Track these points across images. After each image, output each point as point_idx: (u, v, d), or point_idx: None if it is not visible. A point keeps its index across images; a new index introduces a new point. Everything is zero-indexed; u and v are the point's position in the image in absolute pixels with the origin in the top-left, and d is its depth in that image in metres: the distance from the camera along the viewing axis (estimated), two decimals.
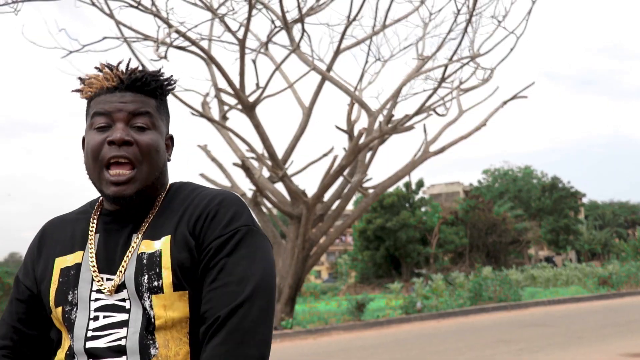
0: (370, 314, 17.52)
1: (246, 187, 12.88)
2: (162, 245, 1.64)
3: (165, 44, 8.48)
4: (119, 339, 1.59)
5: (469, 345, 11.53)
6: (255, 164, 11.00)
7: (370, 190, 12.16)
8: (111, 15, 8.34)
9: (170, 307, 1.60)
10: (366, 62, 11.05)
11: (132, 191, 1.66)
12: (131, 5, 8.39)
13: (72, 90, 1.80)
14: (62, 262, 1.74)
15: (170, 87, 1.84)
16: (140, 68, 1.79)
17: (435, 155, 11.53)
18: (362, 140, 10.51)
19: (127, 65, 1.78)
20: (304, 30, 9.00)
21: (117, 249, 1.69)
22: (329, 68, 10.07)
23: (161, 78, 1.77)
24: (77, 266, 1.71)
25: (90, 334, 1.61)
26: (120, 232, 1.72)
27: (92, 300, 1.65)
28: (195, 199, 1.73)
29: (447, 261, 39.20)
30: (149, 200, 1.74)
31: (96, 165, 1.69)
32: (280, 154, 10.77)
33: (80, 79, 1.79)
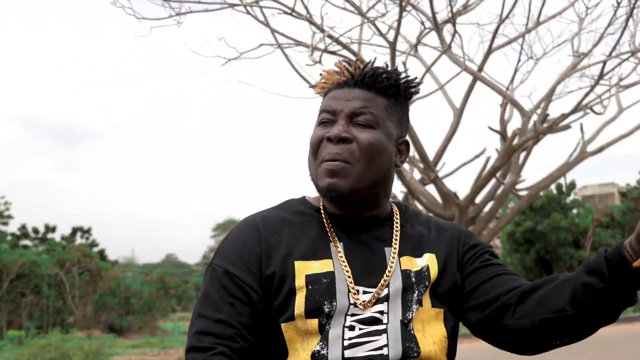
0: None
1: (397, 190, 12.85)
2: (428, 262, 1.66)
3: (319, 49, 8.64)
4: (381, 347, 1.55)
5: (632, 353, 11.00)
6: (406, 166, 10.98)
7: (524, 192, 11.83)
8: (266, 24, 8.59)
9: (427, 322, 1.60)
10: (518, 60, 10.76)
11: (346, 186, 1.59)
12: (285, 12, 8.59)
13: (309, 86, 1.78)
14: (306, 267, 1.62)
15: (412, 89, 1.74)
16: (384, 65, 1.73)
17: (592, 156, 11.06)
18: (515, 141, 10.24)
19: (369, 63, 1.71)
20: (455, 30, 8.89)
21: (370, 262, 1.64)
22: (480, 68, 9.89)
23: (394, 76, 1.69)
24: (330, 275, 1.61)
25: (346, 342, 1.55)
26: (367, 242, 1.67)
27: (348, 315, 1.58)
28: (445, 224, 1.81)
29: None
30: (373, 207, 1.69)
31: (314, 160, 1.66)
32: (431, 155, 10.68)
33: (320, 74, 1.75)
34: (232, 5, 8.76)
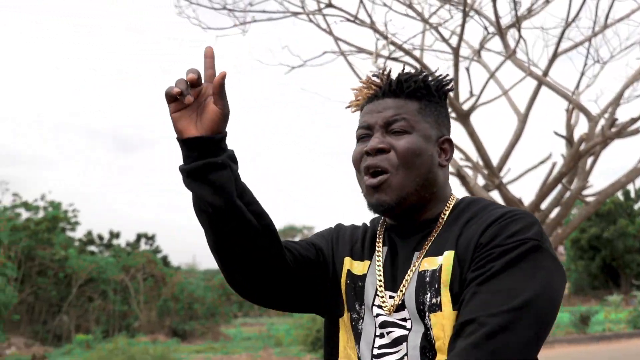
0: (592, 327, 16.70)
1: (461, 196, 12.77)
2: (444, 260, 1.56)
3: (382, 56, 8.66)
4: (402, 358, 1.55)
5: None
6: (470, 172, 10.89)
7: (591, 198, 11.61)
8: (329, 31, 8.64)
9: (449, 327, 1.50)
10: (584, 64, 10.58)
11: (391, 198, 1.61)
12: (348, 20, 8.63)
13: (346, 107, 1.81)
14: (350, 264, 1.74)
15: (445, 88, 1.74)
16: (409, 70, 1.73)
17: None
18: (582, 146, 10.06)
19: (389, 71, 1.73)
20: (520, 35, 8.79)
21: (398, 266, 1.66)
22: (545, 73, 9.76)
23: (420, 78, 1.69)
24: (364, 277, 1.70)
25: (376, 351, 1.60)
26: (403, 248, 1.68)
27: (375, 316, 1.63)
28: (485, 214, 1.59)
29: None
30: (424, 211, 1.67)
31: (359, 177, 1.69)
32: (495, 161, 10.57)
33: (353, 91, 1.79)
34: (295, 14, 8.85)
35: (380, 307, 1.63)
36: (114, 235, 35.62)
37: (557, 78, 11.88)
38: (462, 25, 8.49)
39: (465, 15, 8.64)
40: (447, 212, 1.68)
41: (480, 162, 10.57)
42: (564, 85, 9.83)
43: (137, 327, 24.53)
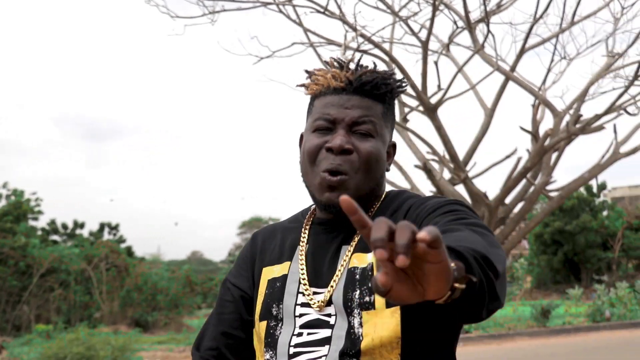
0: (552, 321, 16.91)
1: (427, 189, 12.77)
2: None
3: (351, 48, 8.62)
4: (319, 358, 1.49)
5: None
6: (436, 166, 10.91)
7: (554, 193, 11.70)
8: (299, 22, 8.58)
9: (380, 325, 1.46)
10: (551, 60, 10.65)
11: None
12: (318, 11, 8.58)
13: (297, 85, 1.72)
14: (270, 272, 1.68)
15: (400, 90, 1.69)
16: (371, 67, 1.65)
17: (625, 157, 10.93)
18: (547, 142, 10.13)
19: (357, 64, 1.65)
20: (488, 30, 8.81)
21: (325, 261, 1.59)
22: (513, 68, 9.81)
23: (392, 81, 1.63)
24: (284, 278, 1.63)
25: (292, 350, 1.53)
26: (331, 243, 1.61)
27: (297, 316, 1.56)
28: (405, 203, 1.60)
29: (631, 268, 37.05)
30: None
31: (312, 169, 1.62)
32: (461, 155, 10.60)
33: (306, 71, 1.70)
34: (265, 4, 8.77)
35: (305, 305, 1.57)
36: (78, 225, 35.18)
37: (525, 74, 11.94)
38: (432, 19, 8.49)
39: (435, 9, 8.64)
40: (376, 206, 1.64)
41: (447, 156, 10.60)
42: (531, 81, 9.90)
43: (98, 318, 24.26)
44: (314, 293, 1.57)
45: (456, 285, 1.07)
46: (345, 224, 1.57)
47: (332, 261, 1.58)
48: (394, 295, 0.97)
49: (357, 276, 1.52)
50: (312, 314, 1.54)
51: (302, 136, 1.71)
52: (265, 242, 1.75)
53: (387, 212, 1.58)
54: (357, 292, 1.50)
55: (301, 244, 1.65)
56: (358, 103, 1.59)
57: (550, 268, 38.36)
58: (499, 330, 15.52)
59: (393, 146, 1.70)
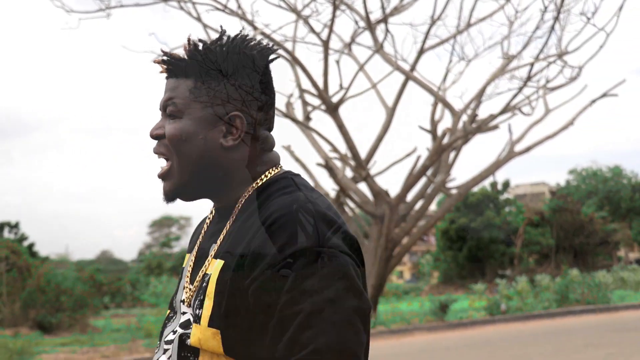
0: (453, 315, 17.36)
1: (329, 187, 12.90)
2: (214, 268, 1.40)
3: None
4: (169, 357, 1.43)
5: (556, 348, 11.29)
6: (338, 164, 11.05)
7: (454, 191, 12.04)
8: (198, 19, 8.53)
9: (204, 342, 1.36)
10: (450, 61, 10.94)
11: (170, 188, 1.47)
12: (217, 9, 8.55)
13: (160, 72, 1.52)
14: (185, 260, 1.61)
15: (211, 57, 1.44)
16: (195, 44, 1.44)
17: (520, 155, 11.35)
18: (445, 140, 10.42)
19: (188, 43, 1.46)
20: (387, 30, 8.99)
21: (198, 260, 1.52)
22: (413, 68, 10.03)
23: (197, 54, 1.44)
24: (183, 270, 1.57)
25: (165, 346, 1.47)
26: (209, 238, 1.53)
27: (182, 313, 1.47)
28: (270, 217, 1.37)
29: (532, 262, 38.41)
30: (221, 197, 1.51)
31: None
32: (363, 154, 10.78)
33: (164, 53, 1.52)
34: (165, 0, 8.67)
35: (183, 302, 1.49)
36: None
37: (425, 74, 12.21)
38: (332, 19, 8.58)
39: (336, 8, 8.74)
40: (246, 196, 1.49)
41: (349, 154, 10.76)
42: (431, 81, 10.15)
43: None
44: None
45: None
46: (220, 217, 1.51)
47: (201, 260, 1.49)
48: None
49: (205, 284, 1.40)
50: (189, 312, 1.45)
51: None
52: (197, 227, 1.68)
53: (250, 207, 1.44)
54: (197, 302, 1.41)
55: (202, 235, 1.57)
56: (169, 85, 1.48)
57: (456, 263, 39.35)
58: (400, 325, 15.84)
59: (237, 117, 1.45)
